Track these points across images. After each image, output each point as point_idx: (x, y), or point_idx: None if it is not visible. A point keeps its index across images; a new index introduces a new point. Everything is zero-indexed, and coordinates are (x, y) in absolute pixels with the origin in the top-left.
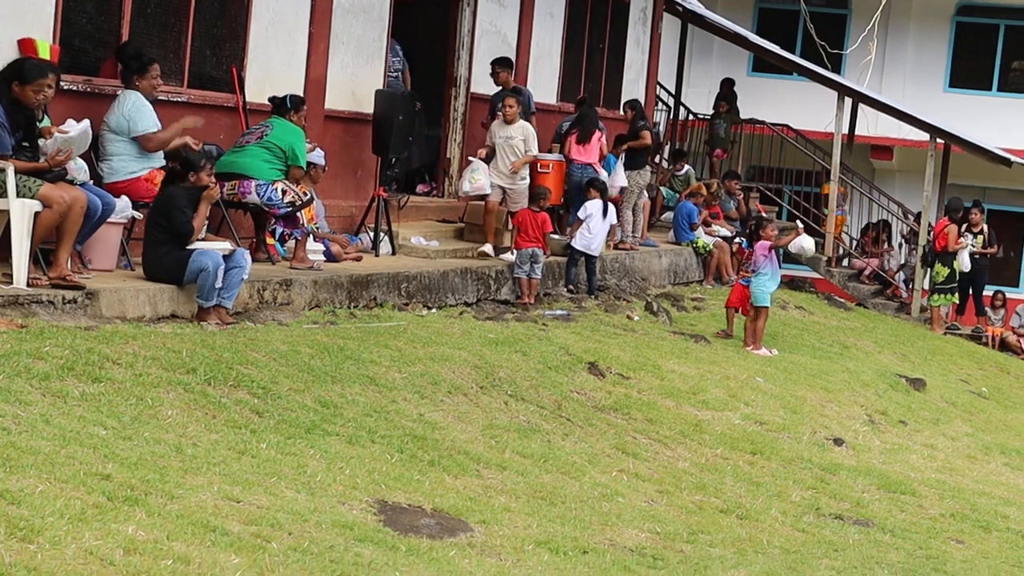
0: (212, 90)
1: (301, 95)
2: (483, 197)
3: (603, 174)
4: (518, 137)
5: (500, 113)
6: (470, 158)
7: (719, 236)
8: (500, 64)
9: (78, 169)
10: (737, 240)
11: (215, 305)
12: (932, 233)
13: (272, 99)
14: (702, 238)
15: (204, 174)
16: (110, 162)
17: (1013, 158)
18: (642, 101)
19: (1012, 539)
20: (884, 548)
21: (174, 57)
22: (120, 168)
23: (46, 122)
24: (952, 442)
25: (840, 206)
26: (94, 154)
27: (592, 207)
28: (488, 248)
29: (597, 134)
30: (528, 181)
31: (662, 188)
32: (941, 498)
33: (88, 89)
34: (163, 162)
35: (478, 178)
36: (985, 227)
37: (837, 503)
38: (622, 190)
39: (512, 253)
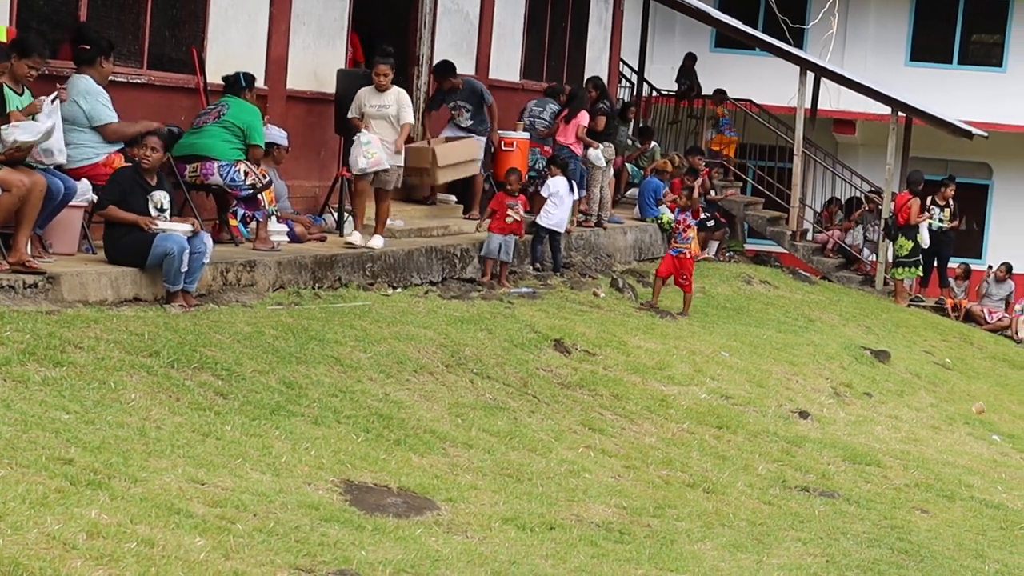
0: (172, 71)
1: (252, 73)
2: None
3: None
4: (392, 106)
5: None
6: (358, 135)
7: None
8: (446, 71)
9: (58, 152)
10: (711, 223)
11: (181, 289)
12: (894, 207)
13: (225, 78)
14: (667, 214)
15: (138, 148)
16: (68, 150)
17: (974, 130)
18: (605, 78)
19: (976, 507)
20: (849, 519)
21: (133, 39)
22: (76, 155)
23: (27, 98)
24: (916, 413)
25: (730, 127)
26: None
27: (555, 184)
28: (357, 237)
29: (580, 116)
30: (401, 154)
31: (628, 165)
32: (905, 468)
33: (46, 72)
34: (121, 145)
35: (374, 151)
36: (951, 201)
37: (803, 475)
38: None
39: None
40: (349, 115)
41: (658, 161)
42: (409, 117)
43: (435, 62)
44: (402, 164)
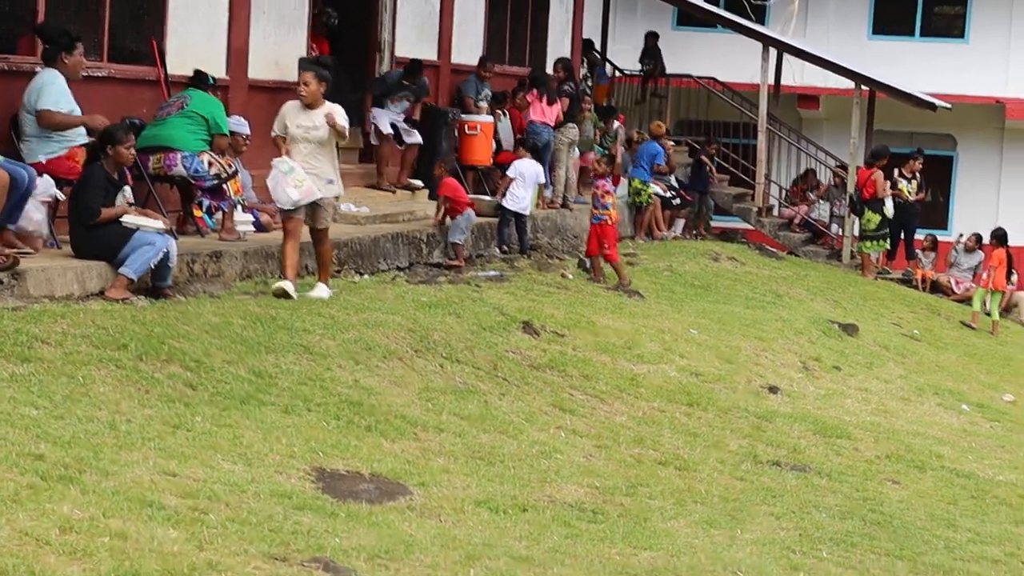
0: (133, 63)
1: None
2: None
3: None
4: (322, 128)
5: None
6: (274, 161)
7: (655, 193)
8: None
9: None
10: (677, 201)
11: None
12: (857, 181)
13: (196, 72)
14: (651, 187)
15: (123, 147)
16: (29, 143)
17: (938, 102)
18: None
19: (947, 477)
20: (821, 492)
21: (92, 32)
22: (39, 148)
23: None
24: (885, 385)
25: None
26: (14, 134)
27: (521, 166)
28: (289, 286)
29: (563, 100)
30: (336, 186)
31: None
32: (876, 440)
33: (4, 67)
34: (84, 139)
35: (302, 179)
36: (918, 173)
37: (774, 450)
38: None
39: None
40: (272, 133)
41: (652, 124)
42: (347, 133)
43: (396, 48)
44: (340, 194)
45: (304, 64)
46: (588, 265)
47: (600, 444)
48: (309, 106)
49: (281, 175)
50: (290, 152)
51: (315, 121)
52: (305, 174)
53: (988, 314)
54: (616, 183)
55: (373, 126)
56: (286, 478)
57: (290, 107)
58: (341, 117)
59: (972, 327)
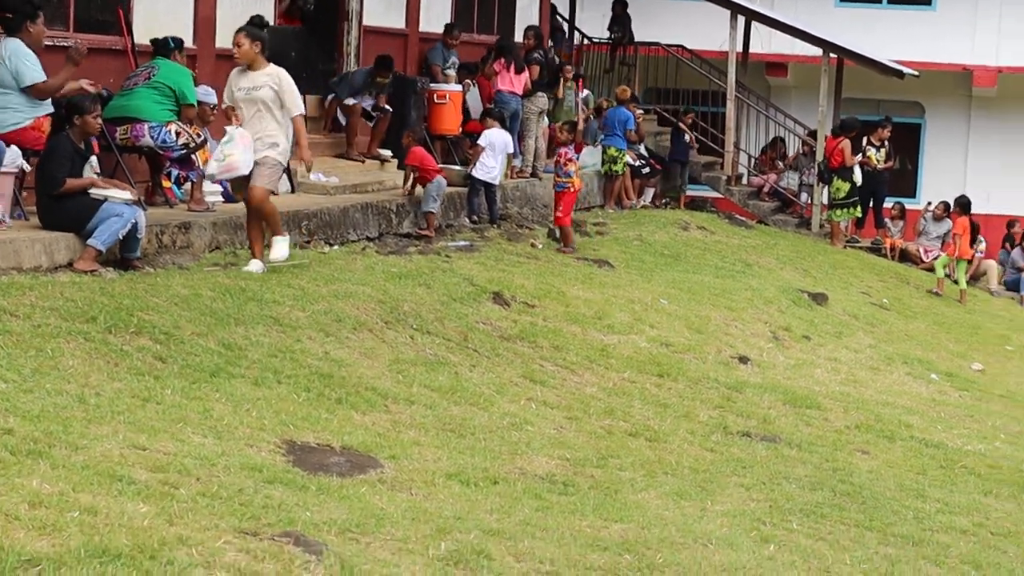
0: (99, 33)
1: (180, 37)
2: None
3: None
4: (264, 87)
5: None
6: (227, 127)
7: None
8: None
9: None
10: (646, 170)
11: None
12: (825, 151)
13: (153, 41)
14: (626, 156)
15: (90, 117)
16: None
17: (905, 70)
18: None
19: (916, 447)
20: (791, 463)
21: (58, 2)
22: (4, 120)
23: None
24: (855, 354)
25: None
26: None
27: (491, 136)
28: (256, 265)
29: (532, 68)
30: (281, 148)
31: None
32: (846, 410)
33: None
34: (50, 109)
35: (231, 152)
36: (887, 141)
37: (744, 421)
38: (523, 119)
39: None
40: (223, 104)
41: (617, 89)
42: (296, 106)
43: (364, 17)
44: (282, 162)
45: (242, 28)
46: (557, 235)
47: (570, 415)
48: (250, 67)
49: (218, 145)
50: (239, 116)
51: (256, 82)
52: (242, 147)
53: (956, 282)
54: (579, 150)
55: (337, 109)
56: (256, 451)
57: (234, 73)
58: (290, 92)
59: (938, 294)
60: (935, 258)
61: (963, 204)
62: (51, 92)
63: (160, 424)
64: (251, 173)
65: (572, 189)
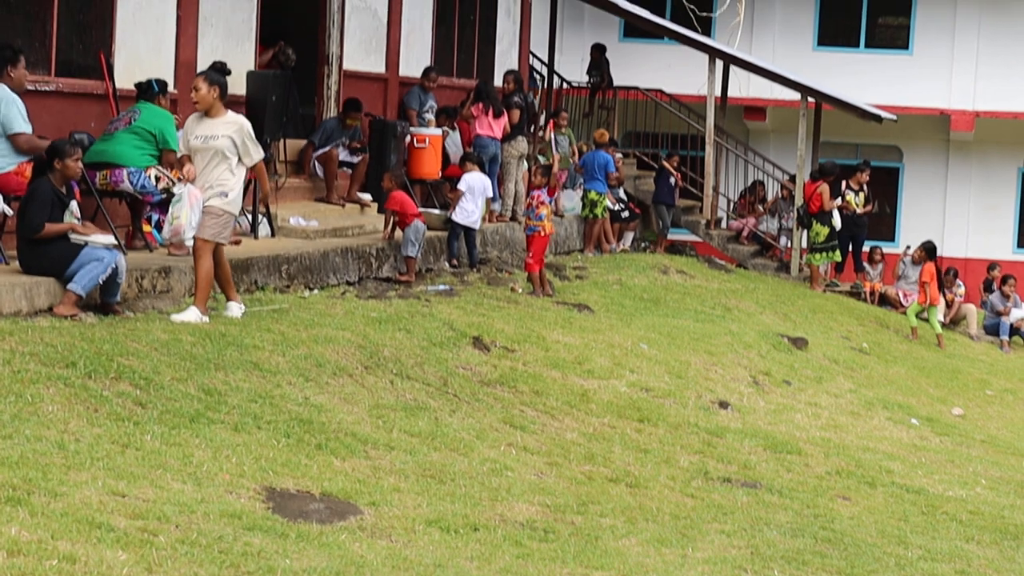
0: (81, 78)
1: (164, 80)
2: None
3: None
4: (221, 137)
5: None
6: (175, 188)
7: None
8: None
9: None
10: (626, 214)
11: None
12: (804, 195)
13: (138, 84)
14: (606, 200)
15: (70, 160)
16: None
17: (884, 114)
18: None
19: (897, 493)
20: (772, 509)
21: (40, 46)
22: None
23: None
24: (835, 399)
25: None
26: None
27: (470, 180)
28: (192, 313)
29: (512, 112)
30: (231, 198)
31: (540, 157)
32: (826, 456)
33: None
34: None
35: (178, 215)
36: (866, 185)
37: (725, 466)
38: (503, 163)
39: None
40: (178, 153)
41: (596, 133)
42: (258, 154)
43: (344, 62)
44: (231, 211)
45: (202, 72)
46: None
47: (551, 461)
48: (208, 114)
49: (171, 205)
50: (193, 165)
51: (213, 130)
52: (188, 210)
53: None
54: (551, 194)
55: (314, 161)
56: (236, 498)
57: (191, 119)
58: (250, 140)
59: (913, 339)
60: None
61: (928, 249)
62: (32, 150)
63: (140, 470)
64: (205, 221)
65: (543, 233)
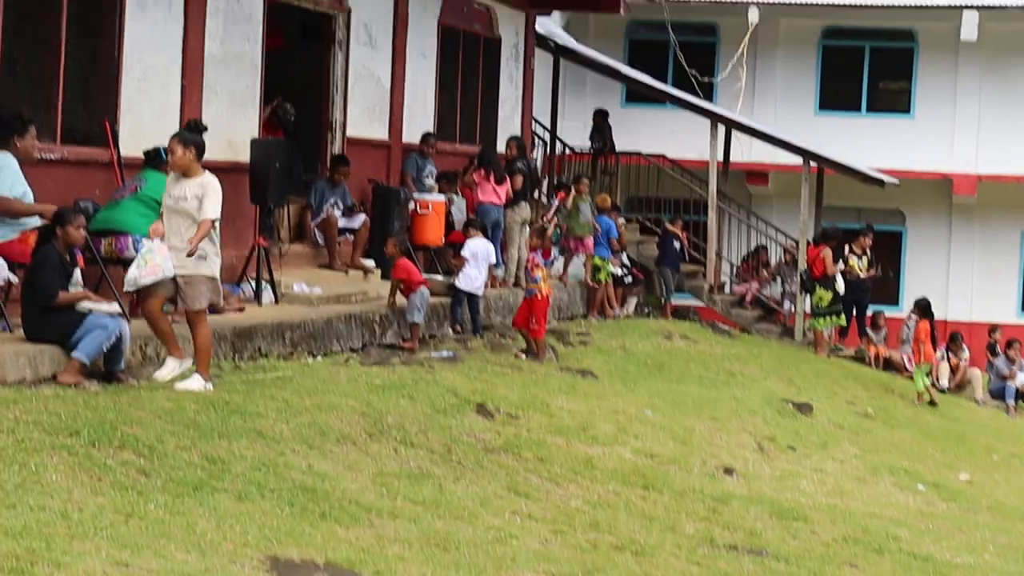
0: (86, 145)
1: None
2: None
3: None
4: (191, 199)
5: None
6: (143, 240)
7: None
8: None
9: None
10: (629, 279)
11: (81, 361)
12: (807, 260)
13: (145, 152)
14: (609, 265)
15: (72, 228)
16: None
17: (885, 178)
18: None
19: (904, 560)
20: None
21: (45, 114)
22: None
23: None
24: (841, 465)
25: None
26: None
27: (474, 246)
28: (173, 365)
29: (515, 178)
30: (208, 260)
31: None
32: (833, 522)
33: None
34: (37, 222)
35: (152, 259)
36: (869, 250)
37: (731, 533)
38: (506, 229)
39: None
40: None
41: (598, 197)
42: (212, 211)
43: (348, 128)
44: (214, 275)
45: (176, 134)
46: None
47: (556, 529)
48: (185, 175)
49: (141, 253)
50: (161, 227)
51: (184, 192)
52: (163, 255)
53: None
54: (546, 256)
55: (314, 229)
56: (240, 568)
57: (170, 179)
58: (211, 196)
59: (934, 404)
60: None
61: (922, 307)
62: (13, 213)
63: (143, 540)
64: (183, 292)
65: (539, 296)
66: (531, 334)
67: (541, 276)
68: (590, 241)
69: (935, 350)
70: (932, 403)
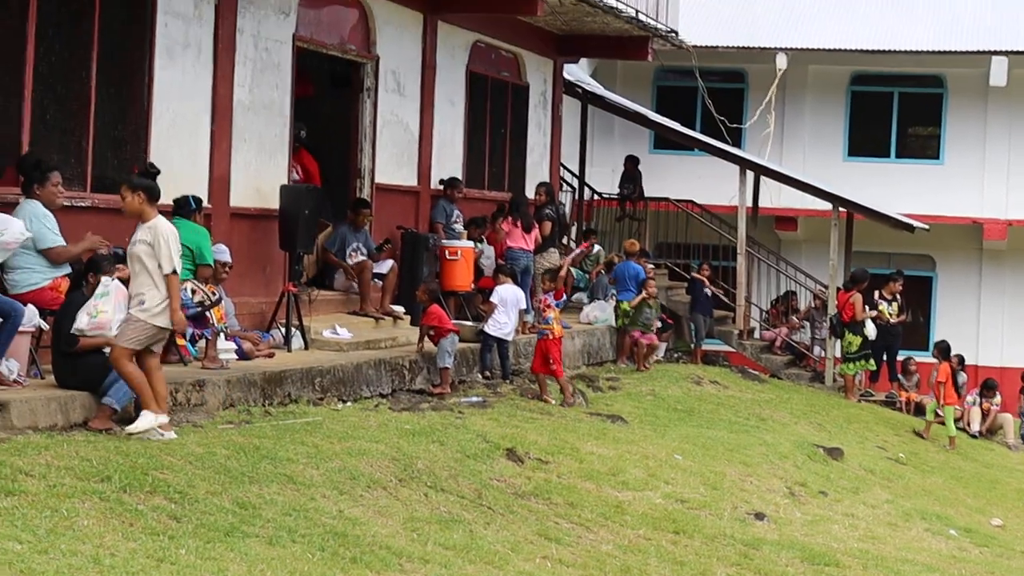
0: (116, 193)
1: (200, 196)
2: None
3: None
4: (141, 242)
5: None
6: (103, 277)
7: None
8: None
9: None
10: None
11: (111, 407)
12: (837, 304)
13: (175, 200)
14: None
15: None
16: (13, 274)
17: (915, 223)
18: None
19: None
20: None
21: (76, 162)
22: (22, 280)
23: None
24: (872, 510)
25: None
26: None
27: (503, 292)
28: (148, 419)
29: (544, 224)
30: (147, 305)
31: (572, 269)
32: (864, 568)
33: None
34: (68, 269)
35: (104, 309)
36: (899, 295)
37: None
38: (534, 274)
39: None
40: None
41: (626, 243)
42: (168, 264)
43: (376, 175)
44: (148, 320)
45: (124, 179)
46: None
47: (586, 574)
48: (141, 219)
49: (94, 295)
50: (125, 269)
51: (137, 235)
52: (114, 305)
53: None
54: (558, 297)
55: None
56: None
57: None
58: (163, 246)
59: (923, 437)
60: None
61: (943, 349)
62: (67, 258)
63: None
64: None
65: (551, 336)
66: (552, 375)
67: (553, 316)
68: (652, 335)
69: (959, 393)
70: (921, 435)
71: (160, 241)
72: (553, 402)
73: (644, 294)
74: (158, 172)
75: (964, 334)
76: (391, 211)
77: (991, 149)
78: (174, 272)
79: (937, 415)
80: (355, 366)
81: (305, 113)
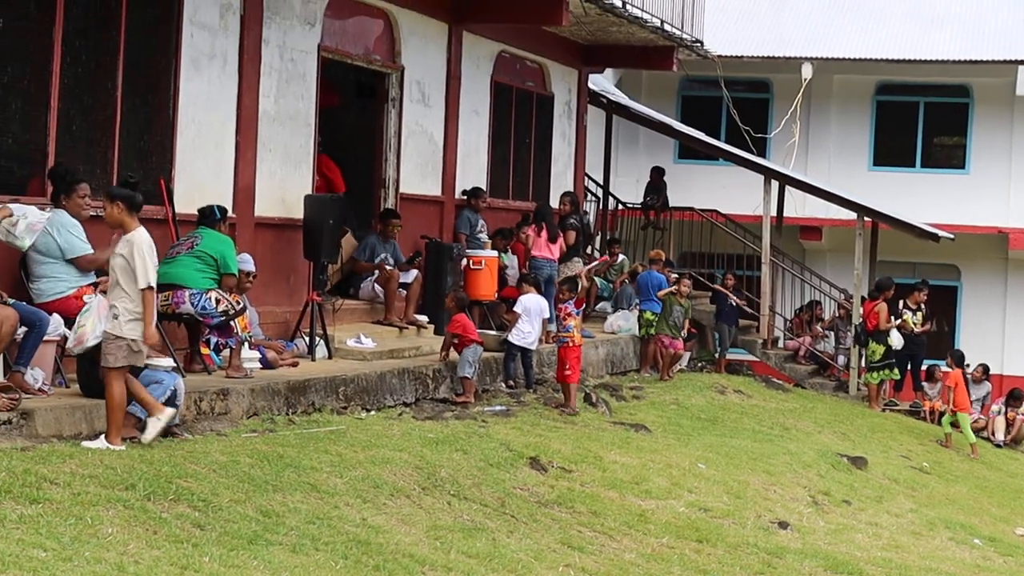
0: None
1: (224, 206)
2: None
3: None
4: (118, 255)
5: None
6: (85, 298)
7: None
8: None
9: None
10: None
11: (136, 416)
12: (862, 313)
13: (200, 210)
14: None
15: None
16: (39, 283)
17: (940, 233)
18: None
19: None
20: None
21: (102, 172)
22: (48, 289)
23: None
24: (896, 519)
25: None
26: (24, 275)
27: (527, 301)
28: (99, 443)
29: (568, 234)
30: (120, 320)
31: (596, 278)
32: None
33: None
34: (93, 278)
35: (84, 323)
36: (923, 304)
37: None
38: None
39: None
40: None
41: (651, 253)
42: (143, 277)
43: (401, 185)
44: (119, 334)
45: (111, 190)
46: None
47: None
48: (123, 230)
49: (80, 313)
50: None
51: (118, 247)
52: (95, 319)
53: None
54: (579, 305)
55: (372, 284)
56: None
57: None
58: (139, 258)
59: (946, 447)
60: (975, 420)
61: (957, 358)
62: (97, 265)
63: None
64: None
65: (571, 344)
66: (564, 379)
67: (574, 325)
68: (679, 342)
69: (982, 403)
70: (944, 444)
71: (136, 255)
72: (578, 411)
73: (673, 288)
74: (137, 182)
75: (989, 344)
76: (415, 221)
77: (1017, 159)
78: (149, 287)
79: (953, 425)
80: (379, 375)
81: (330, 123)
